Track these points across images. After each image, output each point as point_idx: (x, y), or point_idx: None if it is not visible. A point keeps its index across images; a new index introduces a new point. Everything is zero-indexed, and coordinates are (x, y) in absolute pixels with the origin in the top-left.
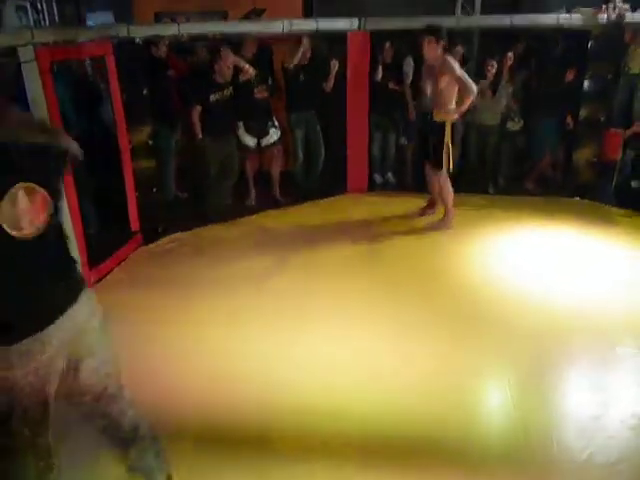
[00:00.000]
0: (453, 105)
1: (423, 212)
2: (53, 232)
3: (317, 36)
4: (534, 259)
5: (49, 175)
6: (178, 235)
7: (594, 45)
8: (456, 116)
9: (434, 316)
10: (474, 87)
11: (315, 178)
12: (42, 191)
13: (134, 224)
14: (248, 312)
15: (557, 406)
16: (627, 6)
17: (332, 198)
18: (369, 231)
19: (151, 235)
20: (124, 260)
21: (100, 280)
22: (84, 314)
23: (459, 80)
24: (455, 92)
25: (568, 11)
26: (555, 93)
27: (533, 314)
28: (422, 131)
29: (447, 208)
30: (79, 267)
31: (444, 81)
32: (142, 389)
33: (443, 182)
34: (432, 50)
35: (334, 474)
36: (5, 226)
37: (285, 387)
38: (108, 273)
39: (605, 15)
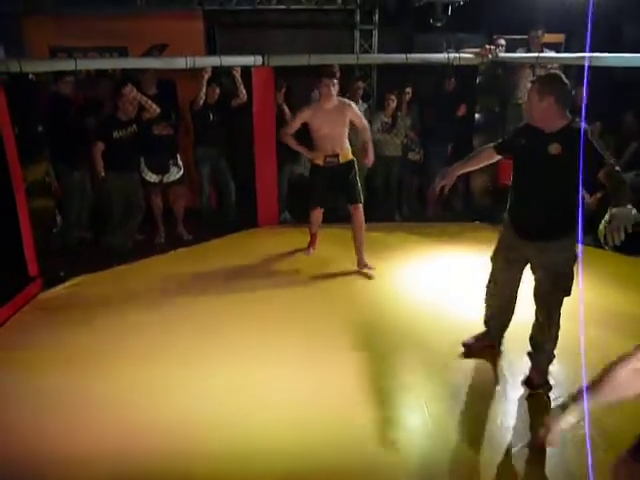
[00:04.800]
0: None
1: (308, 251)
2: None
3: (223, 72)
4: (444, 280)
5: None
6: (82, 279)
7: (482, 80)
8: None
9: (352, 341)
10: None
11: (228, 213)
12: None
13: (32, 269)
14: (155, 355)
15: (465, 428)
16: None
17: (243, 232)
18: (279, 264)
19: (52, 280)
20: (21, 308)
21: None
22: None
23: (362, 120)
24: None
25: (456, 51)
26: (449, 124)
27: (445, 333)
28: (323, 177)
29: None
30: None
31: (345, 122)
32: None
33: (361, 215)
34: (334, 93)
35: None
36: None
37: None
38: (3, 323)
39: (490, 54)
